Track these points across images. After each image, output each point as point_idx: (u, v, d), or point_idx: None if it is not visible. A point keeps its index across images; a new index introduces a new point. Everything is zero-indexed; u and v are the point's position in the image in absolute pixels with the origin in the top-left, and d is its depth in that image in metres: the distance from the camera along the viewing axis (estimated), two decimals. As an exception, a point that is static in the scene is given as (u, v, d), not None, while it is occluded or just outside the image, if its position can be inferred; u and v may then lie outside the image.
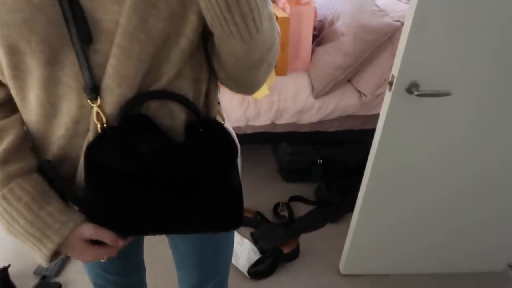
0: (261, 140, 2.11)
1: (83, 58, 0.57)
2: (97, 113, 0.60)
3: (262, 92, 1.76)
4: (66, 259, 1.81)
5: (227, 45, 0.57)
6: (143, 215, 0.66)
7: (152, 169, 0.63)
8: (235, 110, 1.88)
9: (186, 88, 0.65)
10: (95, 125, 0.61)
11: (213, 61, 0.66)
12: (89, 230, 0.64)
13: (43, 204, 0.62)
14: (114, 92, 0.59)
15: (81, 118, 0.62)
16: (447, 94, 1.23)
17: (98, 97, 0.59)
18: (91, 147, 0.62)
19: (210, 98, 0.72)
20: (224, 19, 0.52)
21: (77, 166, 0.67)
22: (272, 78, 1.90)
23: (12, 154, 0.62)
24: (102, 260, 0.70)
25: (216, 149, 0.66)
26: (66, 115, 0.61)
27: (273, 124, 1.99)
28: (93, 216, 0.66)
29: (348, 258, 1.73)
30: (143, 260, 1.09)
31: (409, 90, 1.24)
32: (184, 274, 0.98)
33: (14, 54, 0.55)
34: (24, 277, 1.72)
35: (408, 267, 1.78)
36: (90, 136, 0.62)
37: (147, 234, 0.70)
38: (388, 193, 1.51)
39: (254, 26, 0.53)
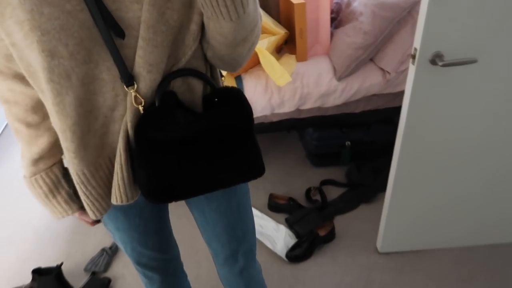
0: (287, 127, 2.13)
1: (116, 53, 0.65)
2: (135, 97, 0.69)
3: (285, 79, 1.78)
4: (113, 255, 1.90)
5: (216, 24, 0.65)
6: (193, 178, 0.76)
7: (195, 136, 0.72)
8: (260, 100, 1.91)
9: (200, 66, 0.77)
10: (134, 108, 0.70)
11: (202, 41, 0.74)
12: (79, 215, 0.91)
13: (55, 194, 0.84)
14: (145, 78, 0.68)
15: (116, 105, 0.71)
16: (473, 62, 1.22)
17: (134, 83, 0.68)
18: (139, 126, 0.71)
19: (214, 71, 0.83)
20: (216, 1, 0.59)
21: (114, 151, 0.76)
22: (293, 65, 1.92)
23: (43, 155, 0.80)
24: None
25: (236, 111, 0.76)
26: (103, 106, 0.71)
27: (298, 110, 2.00)
28: (153, 194, 0.76)
29: (385, 236, 1.74)
30: (173, 235, 1.15)
31: (433, 62, 1.23)
32: (216, 245, 1.04)
33: (53, 57, 0.62)
34: (75, 275, 1.83)
35: (446, 241, 1.77)
36: (127, 119, 0.71)
37: (196, 195, 0.80)
38: (419, 169, 1.51)
39: (242, 8, 0.60)
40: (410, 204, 1.62)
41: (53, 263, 1.79)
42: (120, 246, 1.04)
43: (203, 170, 0.76)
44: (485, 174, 1.54)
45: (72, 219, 2.17)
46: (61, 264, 1.70)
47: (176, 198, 0.78)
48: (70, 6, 0.60)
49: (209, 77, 0.78)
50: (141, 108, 0.71)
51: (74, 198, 0.87)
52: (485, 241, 1.78)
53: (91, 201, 0.80)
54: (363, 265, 1.76)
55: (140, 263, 1.08)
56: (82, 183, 0.77)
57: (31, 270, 1.71)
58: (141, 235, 0.99)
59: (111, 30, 0.63)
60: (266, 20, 2.00)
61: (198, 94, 0.78)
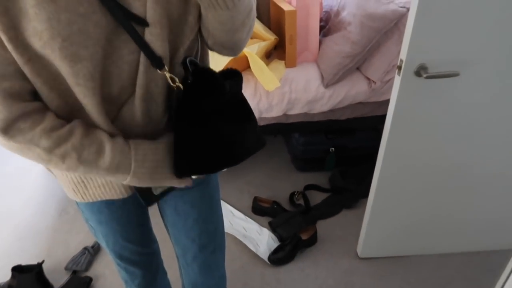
0: (274, 131, 2.16)
1: (141, 40, 0.67)
2: (171, 78, 0.72)
3: (273, 84, 1.81)
4: (95, 254, 1.88)
5: (214, 14, 0.67)
6: (231, 147, 0.79)
7: (228, 105, 0.77)
8: (248, 104, 1.93)
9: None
10: (171, 87, 0.74)
11: (202, 30, 0.76)
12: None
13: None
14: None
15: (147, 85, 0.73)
16: (455, 75, 1.26)
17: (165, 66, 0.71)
18: (191, 96, 0.74)
19: (204, 61, 0.87)
20: None
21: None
22: (282, 70, 1.95)
23: (84, 141, 0.71)
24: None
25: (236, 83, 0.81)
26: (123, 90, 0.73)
27: (285, 115, 2.03)
28: (194, 166, 0.79)
29: (366, 242, 1.78)
30: (153, 230, 1.16)
31: (417, 73, 1.28)
32: (185, 241, 1.05)
33: (75, 62, 0.63)
34: (56, 273, 1.80)
35: (425, 248, 1.82)
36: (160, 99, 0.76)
37: (230, 165, 0.82)
38: (401, 177, 1.55)
39: None
40: (391, 211, 1.66)
41: (33, 261, 1.76)
42: (102, 241, 1.04)
43: (237, 138, 0.79)
44: (465, 184, 1.60)
45: (54, 217, 2.14)
46: (42, 262, 1.68)
47: (216, 169, 0.81)
48: (83, 9, 0.61)
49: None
50: (180, 85, 0.73)
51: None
52: (463, 248, 1.83)
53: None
54: (343, 270, 1.79)
55: (122, 257, 1.08)
56: None
57: (10, 268, 1.68)
58: (123, 227, 1.00)
59: (132, 21, 0.65)
60: (256, 26, 2.03)
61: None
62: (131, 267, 1.12)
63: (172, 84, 0.73)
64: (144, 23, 0.66)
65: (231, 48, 0.79)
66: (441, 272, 1.77)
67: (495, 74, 1.31)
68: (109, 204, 0.93)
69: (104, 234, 1.01)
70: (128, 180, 0.74)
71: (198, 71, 0.74)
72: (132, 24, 0.65)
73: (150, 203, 0.86)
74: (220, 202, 1.07)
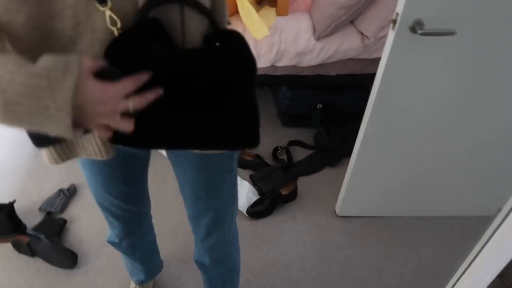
0: (261, 83, 2.08)
1: None
2: (110, 17, 0.58)
3: (262, 32, 1.71)
4: (70, 197, 1.86)
5: None
6: (163, 122, 0.65)
7: (172, 74, 0.61)
8: (235, 52, 1.84)
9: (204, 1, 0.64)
10: (108, 31, 0.59)
11: None
12: (89, 60, 0.56)
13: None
14: None
15: (78, 37, 0.60)
16: (452, 33, 1.20)
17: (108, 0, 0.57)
18: (109, 50, 0.60)
19: (219, 10, 0.69)
20: None
21: None
22: (273, 18, 1.84)
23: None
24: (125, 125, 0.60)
25: (234, 61, 0.64)
26: (62, 35, 0.59)
27: (273, 66, 1.95)
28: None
29: (344, 200, 1.78)
30: (147, 190, 1.11)
31: (413, 29, 1.21)
32: (184, 202, 1.01)
33: None
34: (30, 213, 1.78)
35: (400, 210, 1.84)
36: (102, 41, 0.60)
37: (166, 145, 0.70)
38: (386, 137, 1.52)
39: None
40: (372, 171, 1.65)
41: (6, 201, 1.72)
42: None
43: (175, 118, 0.65)
44: (449, 149, 1.58)
45: (29, 157, 2.09)
46: (14, 201, 1.65)
47: (136, 143, 0.69)
48: None
49: (210, 12, 0.65)
50: (115, 30, 0.59)
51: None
52: (438, 213, 1.85)
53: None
54: (320, 226, 1.81)
55: (103, 206, 1.04)
56: None
57: (-19, 206, 1.65)
58: (105, 180, 0.94)
59: None
60: (249, -33, 1.89)
61: (195, 32, 0.65)
62: (111, 218, 1.08)
63: (109, 25, 0.59)
64: None
65: None
66: (415, 234, 1.79)
67: (493, 35, 1.25)
68: None
69: (86, 178, 0.96)
70: None
71: (146, 22, 0.60)
72: None
73: (40, 145, 0.71)
74: (224, 183, 0.94)
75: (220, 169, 0.90)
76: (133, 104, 0.57)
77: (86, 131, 0.61)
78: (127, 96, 0.57)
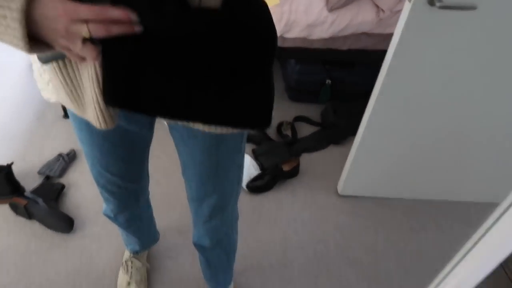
0: (268, 55, 2.01)
1: None
2: None
3: (272, 0, 1.63)
4: (70, 162, 1.84)
5: None
6: (163, 84, 0.60)
7: (177, 32, 0.55)
8: (242, 20, 1.76)
9: None
10: None
11: None
12: None
13: None
14: None
15: None
16: (472, 8, 1.11)
17: None
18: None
19: None
20: None
21: None
22: (284, -14, 1.75)
23: None
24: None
25: (254, 32, 0.57)
26: None
27: (282, 37, 1.88)
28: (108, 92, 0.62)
29: (347, 179, 1.73)
30: (147, 168, 1.07)
31: (431, 2, 1.12)
32: (186, 183, 0.96)
33: None
34: (29, 177, 1.77)
35: (403, 192, 1.79)
36: None
37: (167, 113, 0.64)
38: (393, 116, 1.46)
39: None
40: (377, 151, 1.59)
41: (5, 163, 1.71)
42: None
43: (176, 81, 0.59)
44: (459, 132, 1.51)
45: (31, 120, 2.06)
46: (11, 163, 1.63)
47: (133, 106, 0.63)
48: None
49: None
50: None
51: None
52: (441, 197, 1.80)
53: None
54: (320, 205, 1.77)
55: (99, 183, 1.01)
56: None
57: (-20, 166, 1.64)
58: (104, 156, 0.90)
59: None
60: None
61: None
62: (106, 194, 1.05)
63: None
64: None
65: None
66: (416, 217, 1.75)
67: (518, 12, 1.16)
68: (89, 125, 0.78)
69: (84, 152, 0.93)
70: None
71: None
72: None
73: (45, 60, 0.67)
74: (233, 165, 0.90)
75: (230, 150, 0.85)
76: (89, 29, 0.51)
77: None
78: (87, 21, 0.50)
